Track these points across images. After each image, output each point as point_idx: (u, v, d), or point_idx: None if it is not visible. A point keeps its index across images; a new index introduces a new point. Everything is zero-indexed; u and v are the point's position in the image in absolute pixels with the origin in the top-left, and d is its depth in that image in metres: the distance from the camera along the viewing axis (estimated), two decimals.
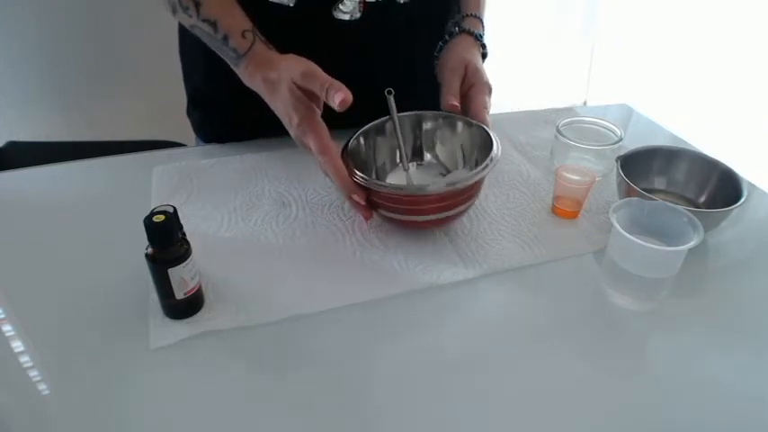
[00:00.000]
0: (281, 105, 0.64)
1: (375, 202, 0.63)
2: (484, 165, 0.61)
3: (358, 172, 0.61)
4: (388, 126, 0.70)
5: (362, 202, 0.62)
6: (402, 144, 0.68)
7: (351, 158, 0.64)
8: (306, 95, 0.62)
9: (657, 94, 2.05)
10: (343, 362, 0.52)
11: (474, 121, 0.68)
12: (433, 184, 0.62)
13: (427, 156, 0.74)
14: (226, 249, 0.64)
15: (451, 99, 0.69)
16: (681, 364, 0.54)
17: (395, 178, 0.71)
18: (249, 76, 0.66)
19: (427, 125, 0.72)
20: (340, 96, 0.57)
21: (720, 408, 0.50)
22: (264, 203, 0.72)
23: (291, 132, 0.65)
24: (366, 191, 0.62)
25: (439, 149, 0.73)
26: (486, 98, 0.69)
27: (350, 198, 0.62)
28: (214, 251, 0.63)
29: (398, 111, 0.69)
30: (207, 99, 0.84)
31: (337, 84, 0.59)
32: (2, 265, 0.62)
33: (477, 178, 0.60)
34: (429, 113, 0.71)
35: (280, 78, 0.62)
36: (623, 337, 0.57)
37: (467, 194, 0.62)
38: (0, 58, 1.49)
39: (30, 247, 0.64)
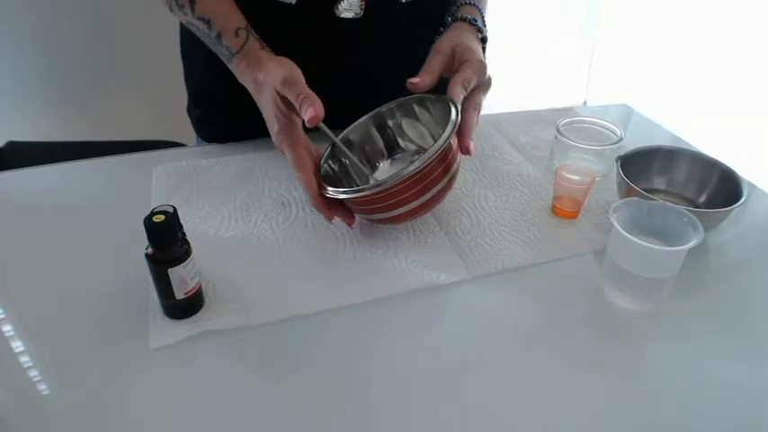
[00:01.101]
0: (266, 110, 0.64)
1: (356, 209, 0.63)
2: (440, 137, 0.58)
3: (327, 186, 0.61)
4: (351, 136, 0.70)
5: (331, 221, 0.65)
6: (354, 158, 0.67)
7: (326, 181, 0.63)
8: (287, 104, 0.61)
9: (657, 94, 2.05)
10: (342, 362, 0.52)
11: (430, 96, 0.66)
12: (391, 177, 0.58)
13: (403, 144, 0.72)
14: (226, 249, 0.64)
15: (414, 78, 0.64)
16: (681, 364, 0.54)
17: (380, 174, 0.71)
18: (240, 75, 0.66)
19: (389, 117, 0.71)
20: (310, 113, 0.57)
21: (721, 408, 0.50)
22: (264, 203, 0.72)
23: (272, 138, 0.65)
24: (340, 202, 0.62)
25: (410, 135, 0.72)
26: (471, 74, 0.64)
27: None
28: (214, 251, 0.63)
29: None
30: (207, 97, 0.84)
31: (312, 98, 0.58)
32: (2, 265, 0.62)
33: (433, 154, 0.57)
34: (385, 107, 0.70)
35: (265, 82, 0.62)
36: (623, 337, 0.57)
37: (435, 171, 0.59)
38: (0, 58, 1.49)
39: (29, 246, 0.64)
